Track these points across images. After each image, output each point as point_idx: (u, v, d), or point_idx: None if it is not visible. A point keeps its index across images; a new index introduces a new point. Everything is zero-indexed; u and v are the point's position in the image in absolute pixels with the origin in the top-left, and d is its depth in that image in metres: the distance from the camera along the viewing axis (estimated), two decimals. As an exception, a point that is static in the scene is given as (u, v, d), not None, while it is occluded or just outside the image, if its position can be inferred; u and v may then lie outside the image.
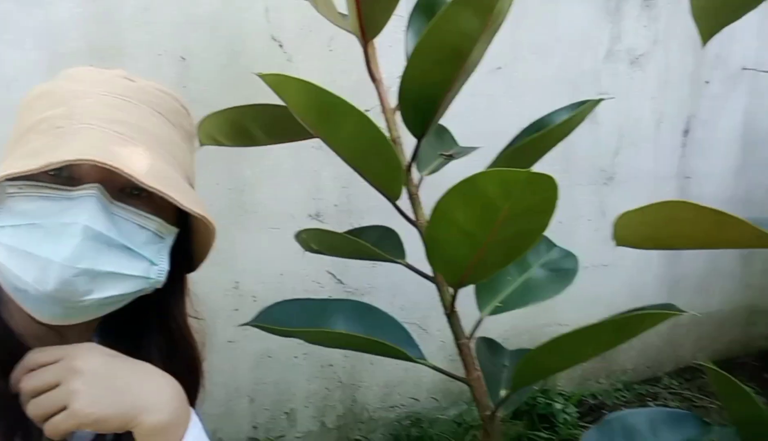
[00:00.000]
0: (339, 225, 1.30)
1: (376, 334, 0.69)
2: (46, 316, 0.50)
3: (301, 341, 1.37)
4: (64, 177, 0.50)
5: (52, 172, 0.49)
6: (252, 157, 1.21)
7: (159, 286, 0.55)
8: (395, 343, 0.68)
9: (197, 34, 1.09)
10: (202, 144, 0.84)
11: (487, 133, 1.02)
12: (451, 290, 0.68)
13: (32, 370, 0.49)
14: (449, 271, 0.63)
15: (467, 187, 0.53)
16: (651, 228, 0.44)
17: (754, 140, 2.04)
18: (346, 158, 0.63)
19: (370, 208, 1.34)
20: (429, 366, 0.69)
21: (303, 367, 1.38)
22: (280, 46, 1.17)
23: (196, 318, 0.66)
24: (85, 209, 0.48)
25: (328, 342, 0.69)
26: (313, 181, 1.28)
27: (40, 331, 0.53)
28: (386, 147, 0.61)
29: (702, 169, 1.92)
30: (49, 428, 0.47)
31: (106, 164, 0.47)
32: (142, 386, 0.50)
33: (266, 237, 1.24)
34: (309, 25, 1.18)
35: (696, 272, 2.09)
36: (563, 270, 0.83)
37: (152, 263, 0.54)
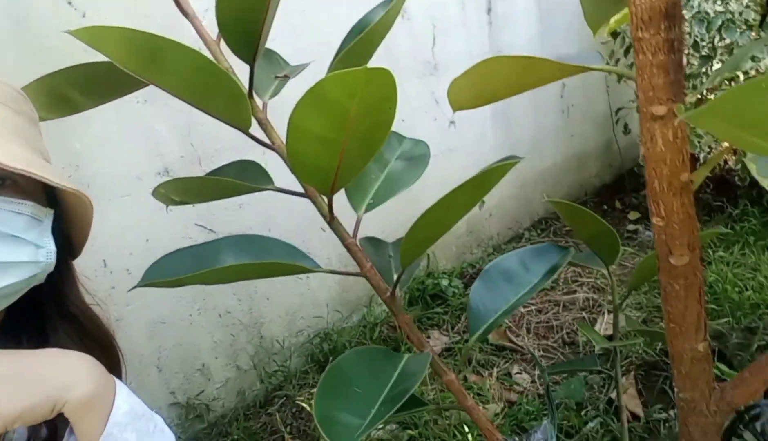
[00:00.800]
0: (191, 174, 1.27)
1: (268, 257, 0.72)
2: None
3: (192, 299, 1.37)
4: None
5: None
6: (77, 130, 1.12)
7: (50, 269, 0.56)
8: (288, 260, 0.71)
9: None
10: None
11: (310, 48, 1.04)
12: (325, 199, 0.72)
13: None
14: (318, 180, 0.66)
15: (314, 96, 0.56)
16: (476, 87, 0.51)
17: (549, 8, 2.26)
18: (185, 98, 0.62)
19: (218, 149, 1.32)
20: (327, 271, 0.74)
21: (201, 322, 1.38)
22: (69, 2, 1.06)
23: (96, 304, 0.65)
24: None
25: (225, 278, 0.71)
26: (149, 137, 1.22)
27: None
28: (224, 77, 0.61)
29: (507, 42, 2.11)
30: None
31: None
32: (54, 368, 0.50)
33: (119, 206, 1.19)
34: None
35: (527, 136, 2.34)
36: (417, 157, 0.90)
37: (38, 246, 0.53)
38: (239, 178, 0.82)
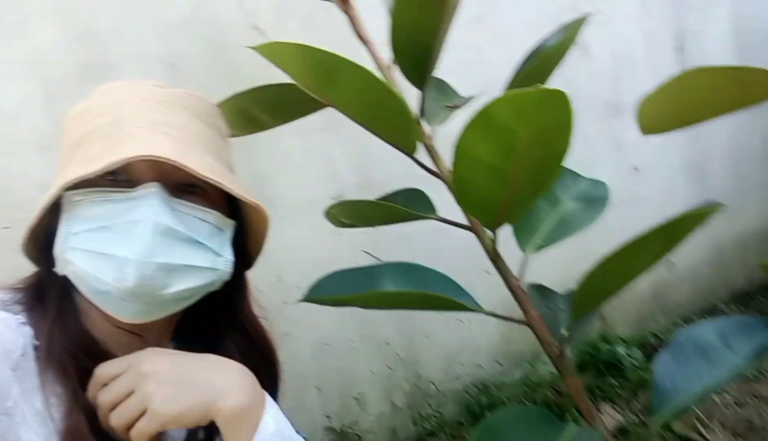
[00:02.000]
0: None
1: (427, 288, 0.69)
2: (128, 314, 0.52)
3: (355, 325, 1.39)
4: (122, 180, 0.53)
5: (109, 177, 0.52)
6: (264, 151, 1.22)
7: (226, 278, 0.58)
8: (448, 294, 0.67)
9: (179, 36, 1.10)
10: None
11: (483, 84, 1.00)
12: (490, 234, 0.67)
13: (104, 384, 0.51)
14: (483, 211, 0.62)
15: (482, 119, 0.52)
16: (671, 105, 0.42)
17: (749, 43, 1.95)
18: (356, 117, 0.62)
19: (390, 179, 1.33)
20: (488, 313, 0.68)
21: (361, 349, 1.39)
22: (260, 32, 1.17)
23: (263, 317, 0.68)
24: (150, 206, 0.51)
25: (383, 304, 0.69)
26: (327, 163, 1.28)
27: (122, 337, 0.56)
28: (394, 99, 0.60)
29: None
30: (135, 434, 0.48)
31: (164, 159, 0.49)
32: (213, 374, 0.51)
33: (296, 226, 1.26)
34: (284, 7, 1.19)
35: (725, 191, 2.01)
36: (594, 198, 0.81)
37: (218, 254, 0.56)
38: (406, 205, 0.80)
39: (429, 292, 0.64)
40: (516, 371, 1.67)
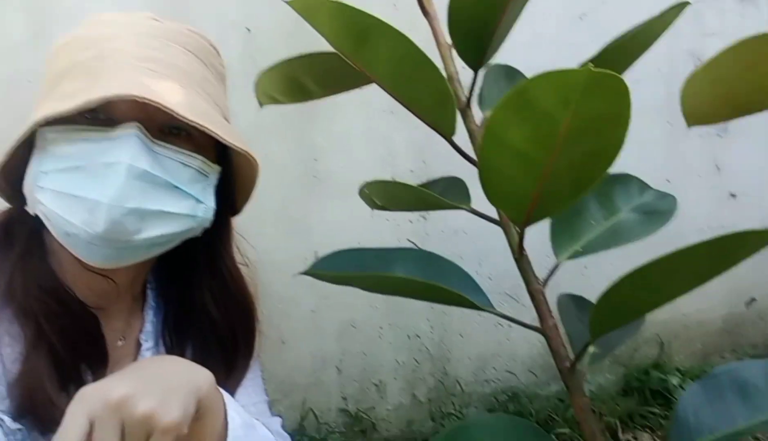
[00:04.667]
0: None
1: (439, 280, 0.64)
2: (98, 258, 0.50)
3: (386, 311, 1.36)
4: (102, 119, 0.50)
5: (88, 115, 0.49)
6: (323, 124, 1.20)
7: (206, 225, 0.55)
8: (459, 289, 0.62)
9: (261, 3, 1.09)
10: (261, 104, 0.83)
11: None
12: (518, 230, 0.61)
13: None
14: (510, 204, 0.56)
15: (518, 98, 0.47)
16: (724, 85, 0.34)
17: None
18: (389, 88, 0.58)
19: (448, 172, 1.28)
20: (496, 313, 0.63)
21: (389, 337, 1.36)
22: None
23: (244, 264, 0.65)
24: (127, 148, 0.48)
25: (385, 288, 0.65)
26: (386, 146, 1.24)
27: (93, 280, 0.54)
28: (432, 72, 0.56)
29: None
30: None
31: (145, 99, 0.46)
32: (182, 369, 0.46)
33: (341, 205, 1.23)
34: None
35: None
36: (658, 212, 0.73)
37: (198, 201, 0.53)
38: (443, 194, 0.76)
39: (435, 282, 0.59)
40: (553, 385, 1.59)
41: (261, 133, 1.16)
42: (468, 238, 1.32)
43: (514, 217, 0.58)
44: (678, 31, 1.40)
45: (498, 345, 1.49)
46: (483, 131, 0.50)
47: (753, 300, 1.78)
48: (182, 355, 0.61)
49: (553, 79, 0.44)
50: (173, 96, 0.48)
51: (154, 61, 0.51)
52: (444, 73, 0.65)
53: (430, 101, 0.59)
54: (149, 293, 0.63)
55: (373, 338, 1.35)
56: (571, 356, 0.63)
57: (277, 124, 1.16)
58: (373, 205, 0.84)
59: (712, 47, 1.54)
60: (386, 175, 1.29)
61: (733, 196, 1.66)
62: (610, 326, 0.56)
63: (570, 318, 0.77)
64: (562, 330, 0.67)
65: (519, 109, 0.47)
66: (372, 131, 1.23)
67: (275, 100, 0.81)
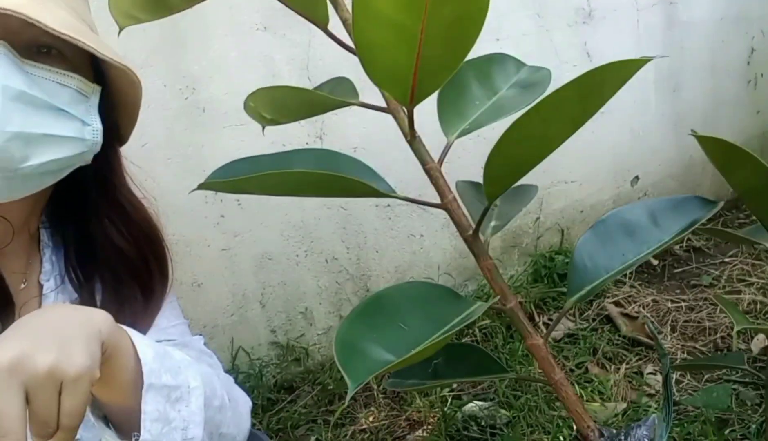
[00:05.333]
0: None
1: (339, 172, 0.64)
2: None
3: (300, 239, 1.36)
4: None
5: None
6: (197, 53, 1.13)
7: (97, 149, 0.52)
8: (360, 177, 0.63)
9: None
10: (121, 27, 0.77)
11: None
12: (405, 110, 0.62)
13: None
14: (393, 81, 0.56)
15: (381, -39, 0.46)
16: None
17: None
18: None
19: (337, 84, 1.27)
20: (399, 198, 0.65)
21: (306, 264, 1.37)
22: None
23: (143, 198, 0.63)
24: None
25: (285, 186, 0.64)
26: (267, 67, 1.20)
27: None
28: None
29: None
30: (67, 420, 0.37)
31: (7, 10, 0.42)
32: (77, 313, 0.43)
33: (231, 133, 1.19)
34: None
35: (699, 106, 1.99)
36: (534, 83, 0.76)
37: (84, 123, 0.50)
38: (331, 94, 0.75)
39: (335, 172, 0.59)
40: (470, 285, 1.67)
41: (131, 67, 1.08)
42: (367, 153, 1.33)
43: (399, 97, 0.59)
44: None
45: (413, 255, 1.54)
46: (353, 7, 0.49)
47: (636, 178, 1.94)
48: (92, 290, 0.59)
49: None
50: (38, 10, 0.44)
51: None
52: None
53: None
54: (43, 232, 0.59)
55: (291, 267, 1.35)
56: (473, 225, 0.66)
57: (145, 58, 1.08)
58: (262, 120, 0.82)
59: None
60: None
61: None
62: (503, 184, 0.59)
63: (470, 199, 0.80)
64: (463, 207, 0.71)
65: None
66: (249, 53, 1.18)
67: (135, 19, 0.75)
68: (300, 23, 1.21)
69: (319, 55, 1.23)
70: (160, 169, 1.14)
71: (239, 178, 0.59)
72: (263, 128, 0.85)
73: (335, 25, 0.66)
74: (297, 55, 1.21)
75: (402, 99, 0.59)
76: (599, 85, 0.48)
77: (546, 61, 1.55)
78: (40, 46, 0.48)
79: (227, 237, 1.24)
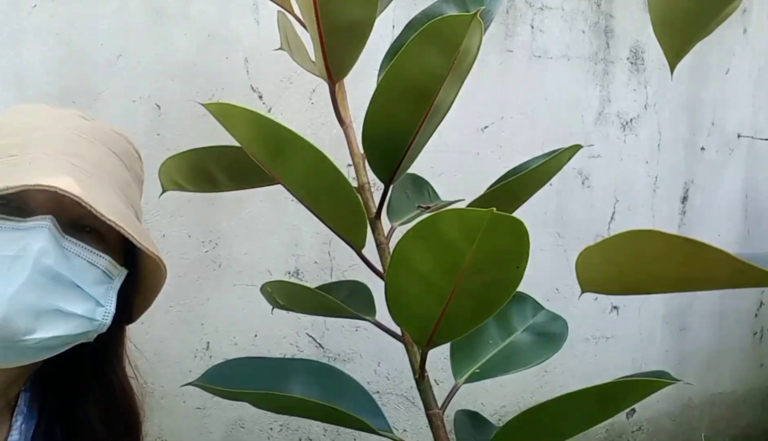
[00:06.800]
0: (321, 282, 1.24)
1: (338, 400, 0.61)
2: None
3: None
4: (13, 207, 0.47)
5: (2, 202, 0.46)
6: (228, 209, 1.16)
7: (103, 330, 0.51)
8: (357, 412, 0.60)
9: (173, 82, 1.07)
10: (164, 189, 0.80)
11: (476, 190, 0.98)
12: (420, 351, 0.61)
13: None
14: (414, 327, 0.56)
15: (426, 229, 0.48)
16: (615, 266, 0.37)
17: (756, 210, 1.99)
18: (302, 199, 0.58)
19: (353, 266, 1.28)
20: (395, 439, 0.61)
21: (278, 440, 1.27)
22: (260, 97, 1.15)
23: (133, 377, 0.60)
24: (37, 241, 0.45)
25: (280, 407, 0.61)
26: (292, 236, 1.22)
27: None
28: (345, 188, 0.56)
29: (703, 238, 1.86)
30: None
31: (65, 192, 0.44)
32: None
33: (241, 294, 1.18)
34: (289, 77, 1.17)
35: (704, 349, 1.98)
36: (551, 334, 0.76)
37: (99, 304, 0.50)
38: (347, 300, 0.75)
39: (334, 405, 0.56)
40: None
41: (161, 213, 1.10)
42: (368, 334, 1.30)
43: (417, 339, 0.58)
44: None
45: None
46: (392, 254, 0.50)
47: (633, 410, 1.87)
48: None
49: (460, 215, 0.46)
50: (94, 193, 0.47)
51: (79, 158, 0.49)
52: (356, 182, 0.66)
53: (341, 214, 0.60)
54: (22, 396, 0.56)
55: (261, 440, 1.26)
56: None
57: (178, 206, 1.11)
58: (275, 304, 0.82)
59: (596, 166, 1.68)
60: (289, 267, 1.26)
61: (615, 308, 1.78)
62: None
63: (465, 435, 0.76)
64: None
65: (427, 238, 0.48)
66: (279, 219, 1.20)
67: (180, 187, 0.79)
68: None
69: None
70: (160, 313, 1.11)
71: (236, 390, 0.56)
72: (272, 310, 0.85)
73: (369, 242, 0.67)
74: (323, 229, 1.24)
75: (419, 341, 0.59)
76: (622, 394, 0.47)
77: (561, 278, 1.59)
78: (84, 225, 0.50)
79: (205, 396, 1.17)
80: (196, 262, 1.14)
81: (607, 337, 1.76)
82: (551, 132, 1.45)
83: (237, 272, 1.17)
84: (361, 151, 0.68)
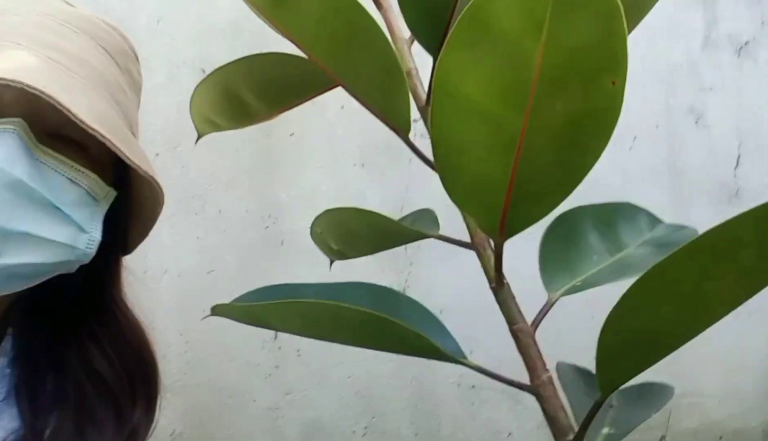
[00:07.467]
0: (392, 256, 1.12)
1: (396, 316, 0.47)
2: None
3: (361, 410, 1.15)
4: None
5: None
6: (286, 180, 1.09)
7: (85, 260, 0.43)
8: (421, 329, 0.46)
9: (217, 43, 1.03)
10: (199, 134, 0.72)
11: None
12: (492, 245, 0.46)
13: None
14: (478, 200, 0.42)
15: (475, 26, 0.35)
16: None
17: None
18: (318, 58, 0.46)
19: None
20: (470, 366, 0.46)
21: (365, 444, 1.14)
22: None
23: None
24: (3, 149, 0.38)
25: (311, 324, 0.48)
26: (358, 204, 1.12)
27: None
28: (377, 38, 0.44)
29: None
30: None
31: (37, 90, 0.36)
32: None
33: (308, 274, 1.07)
34: None
35: None
36: (672, 244, 0.58)
37: (82, 230, 0.42)
38: (411, 226, 0.63)
39: (390, 317, 0.42)
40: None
41: (215, 186, 1.04)
42: (455, 317, 1.15)
43: (486, 224, 0.43)
44: (674, 87, 1.33)
45: (494, 435, 1.26)
46: (433, 83, 0.37)
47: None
48: (42, 427, 0.46)
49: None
50: (74, 94, 0.39)
51: (58, 51, 0.41)
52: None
53: (377, 81, 0.47)
54: (7, 338, 0.49)
55: (345, 445, 1.13)
56: (575, 427, 0.45)
57: (232, 178, 1.05)
58: (330, 252, 0.71)
59: (711, 102, 1.44)
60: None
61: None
62: (623, 373, 0.39)
63: (574, 389, 0.59)
64: (563, 397, 0.50)
65: (477, 43, 0.35)
66: (342, 188, 1.12)
67: (214, 125, 0.70)
68: (400, 164, 1.15)
69: (416, 201, 1.13)
70: (223, 298, 1.04)
71: (255, 303, 0.44)
72: (330, 264, 0.74)
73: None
74: (393, 196, 1.13)
75: (489, 228, 0.44)
76: None
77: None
78: (63, 134, 0.42)
79: (277, 393, 1.07)
80: (257, 241, 1.07)
81: (749, 312, 1.46)
82: (648, 62, 1.26)
83: (301, 250, 1.08)
84: (405, 35, 0.57)
